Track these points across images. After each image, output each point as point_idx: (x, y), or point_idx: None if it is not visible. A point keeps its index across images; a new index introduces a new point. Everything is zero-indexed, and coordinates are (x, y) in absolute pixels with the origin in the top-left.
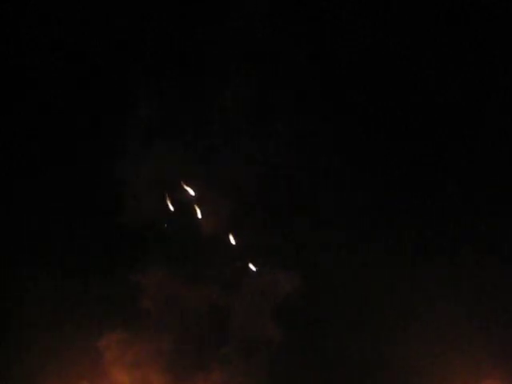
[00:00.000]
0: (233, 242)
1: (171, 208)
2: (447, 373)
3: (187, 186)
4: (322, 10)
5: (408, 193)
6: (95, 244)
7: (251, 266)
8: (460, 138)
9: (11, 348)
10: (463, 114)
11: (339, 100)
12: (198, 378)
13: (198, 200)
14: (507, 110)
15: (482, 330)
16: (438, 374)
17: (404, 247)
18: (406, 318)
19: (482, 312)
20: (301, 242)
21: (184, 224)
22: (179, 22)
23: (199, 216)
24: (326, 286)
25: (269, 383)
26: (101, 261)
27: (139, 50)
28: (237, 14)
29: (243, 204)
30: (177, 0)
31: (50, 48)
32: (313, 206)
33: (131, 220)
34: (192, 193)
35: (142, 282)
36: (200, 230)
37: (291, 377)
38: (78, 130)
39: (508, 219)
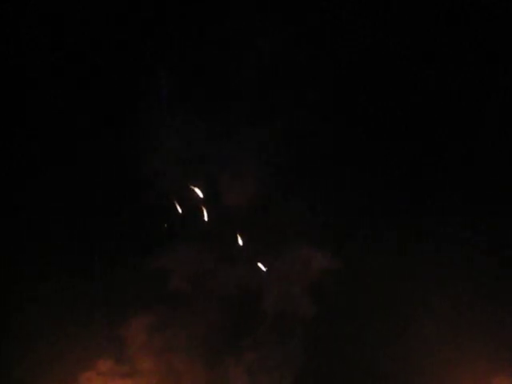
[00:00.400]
0: (240, 242)
1: (179, 210)
2: (459, 370)
3: (195, 187)
4: (322, 9)
5: (408, 193)
6: (118, 228)
7: (261, 266)
8: (460, 138)
9: (36, 333)
10: (463, 114)
11: (339, 100)
12: (229, 361)
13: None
14: (507, 110)
15: (485, 329)
16: (450, 370)
17: (404, 247)
18: (416, 316)
19: (494, 309)
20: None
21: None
22: (179, 21)
23: (205, 218)
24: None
25: (302, 365)
26: (126, 245)
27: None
28: (236, 14)
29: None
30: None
31: (60, 36)
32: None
33: (155, 203)
34: (200, 194)
35: (168, 265)
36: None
37: (324, 358)
38: (78, 130)
39: (508, 219)
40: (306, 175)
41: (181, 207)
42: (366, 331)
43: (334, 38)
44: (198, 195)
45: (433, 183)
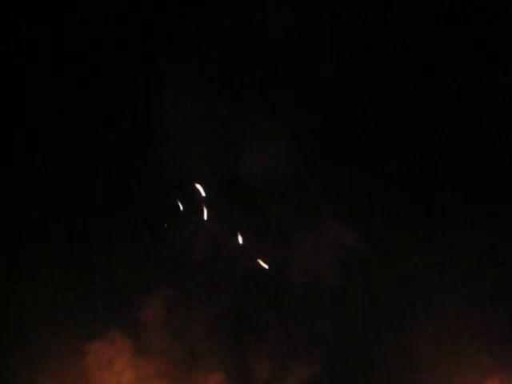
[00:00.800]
0: (240, 241)
1: (181, 207)
2: (449, 373)
3: (198, 186)
4: (322, 9)
5: (408, 193)
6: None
7: (262, 264)
8: (460, 138)
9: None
10: (463, 114)
11: (339, 100)
12: (250, 343)
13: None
14: (507, 110)
15: (484, 329)
16: (440, 373)
17: (404, 247)
18: (407, 317)
19: (485, 311)
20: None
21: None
22: (179, 21)
23: (205, 217)
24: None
25: (332, 347)
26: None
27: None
28: (235, 14)
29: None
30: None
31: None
32: None
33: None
34: (203, 193)
35: (185, 239)
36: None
37: (349, 337)
38: (78, 130)
39: (508, 219)
40: (305, 175)
41: (182, 205)
42: (364, 331)
43: (334, 38)
44: (200, 193)
45: (433, 183)
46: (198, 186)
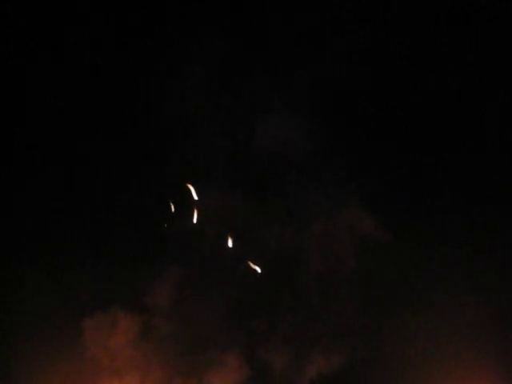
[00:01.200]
0: (230, 244)
1: (173, 209)
2: (437, 375)
3: (191, 188)
4: (322, 8)
5: (408, 193)
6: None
7: (254, 267)
8: (460, 138)
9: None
10: (463, 113)
11: (339, 100)
12: (264, 331)
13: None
14: (508, 109)
15: (474, 331)
16: (428, 375)
17: (402, 246)
18: (399, 318)
19: (476, 314)
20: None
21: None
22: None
23: (195, 220)
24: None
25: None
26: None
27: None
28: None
29: None
30: None
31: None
32: None
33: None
34: (195, 196)
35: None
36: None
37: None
38: (79, 130)
39: (508, 219)
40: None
41: (175, 207)
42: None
43: (334, 38)
44: (192, 196)
45: (433, 183)
46: (191, 188)
